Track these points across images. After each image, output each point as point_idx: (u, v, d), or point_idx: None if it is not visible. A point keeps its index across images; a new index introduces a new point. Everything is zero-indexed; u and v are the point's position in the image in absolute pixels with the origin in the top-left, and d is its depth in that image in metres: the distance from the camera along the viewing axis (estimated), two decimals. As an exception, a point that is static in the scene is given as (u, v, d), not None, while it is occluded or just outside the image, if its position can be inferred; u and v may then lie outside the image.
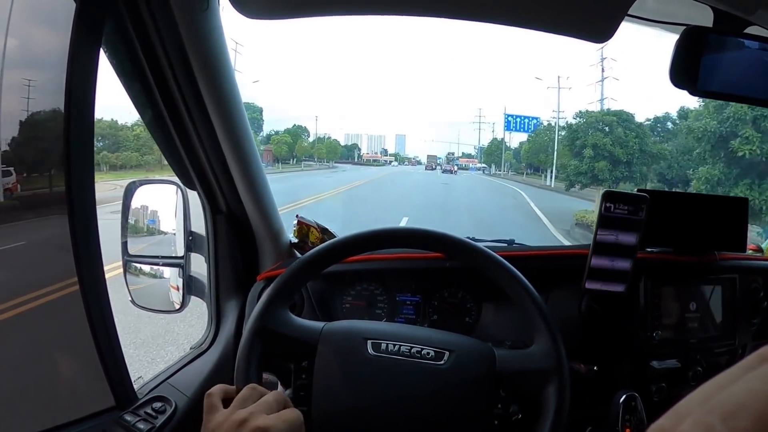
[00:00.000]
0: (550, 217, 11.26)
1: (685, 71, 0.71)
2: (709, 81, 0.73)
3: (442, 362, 0.64)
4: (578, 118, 16.55)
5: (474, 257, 0.70)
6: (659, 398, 0.90)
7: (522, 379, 0.65)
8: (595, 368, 0.87)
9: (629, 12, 0.65)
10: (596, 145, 14.68)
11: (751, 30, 0.78)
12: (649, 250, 0.97)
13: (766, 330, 1.04)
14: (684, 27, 0.71)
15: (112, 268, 0.98)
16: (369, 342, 0.66)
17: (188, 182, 0.87)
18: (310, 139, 37.23)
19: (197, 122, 0.77)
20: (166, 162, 0.88)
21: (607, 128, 15.10)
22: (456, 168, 36.63)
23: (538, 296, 0.67)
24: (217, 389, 0.55)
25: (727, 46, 0.74)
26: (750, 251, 1.16)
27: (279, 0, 0.69)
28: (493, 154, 36.05)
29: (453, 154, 47.83)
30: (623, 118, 15.26)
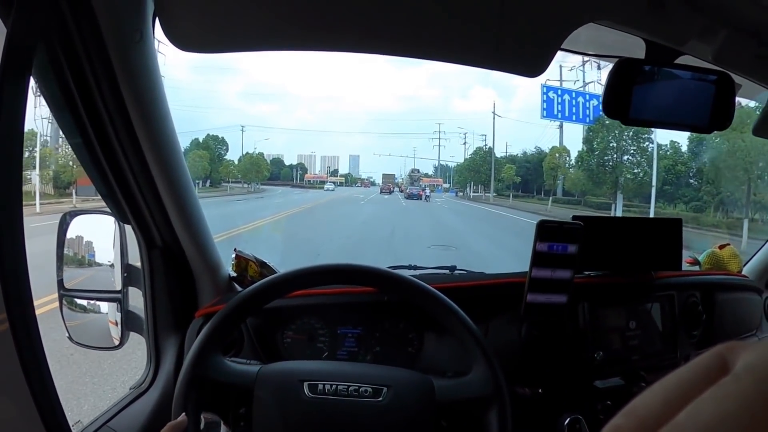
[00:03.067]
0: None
1: (617, 101, 0.71)
2: (641, 110, 0.73)
3: (380, 398, 0.63)
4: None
5: (407, 291, 0.68)
6: (605, 416, 0.89)
7: (462, 408, 0.64)
8: (539, 390, 0.86)
9: (562, 45, 0.64)
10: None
11: (682, 60, 0.80)
12: (587, 273, 0.97)
13: (708, 340, 1.06)
14: (617, 58, 0.72)
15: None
16: (305, 384, 0.63)
17: (122, 216, 0.81)
18: (228, 156, 27.90)
19: (129, 154, 0.72)
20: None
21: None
22: (426, 192, 25.46)
23: (473, 325, 0.66)
24: None
25: (658, 76, 0.75)
26: (687, 264, 1.20)
27: (213, 35, 0.66)
28: (473, 171, 27.59)
29: (418, 171, 36.01)
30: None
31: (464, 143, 35.13)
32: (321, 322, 0.90)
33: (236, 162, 28.05)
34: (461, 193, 30.05)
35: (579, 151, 17.56)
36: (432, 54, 0.60)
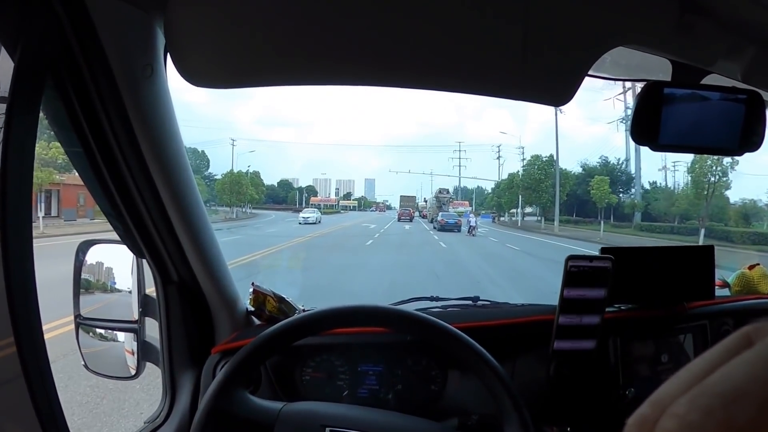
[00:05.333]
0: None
1: (646, 126, 0.67)
2: (670, 134, 0.69)
3: None
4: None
5: (429, 332, 0.64)
6: None
7: None
8: (568, 430, 0.80)
9: (589, 72, 0.60)
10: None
11: (709, 79, 0.75)
12: (617, 306, 0.91)
13: None
14: (644, 82, 0.68)
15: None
16: (327, 429, 0.59)
17: (138, 251, 0.79)
18: (210, 171, 23.85)
19: (142, 190, 0.70)
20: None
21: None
22: (471, 220, 16.84)
23: (505, 373, 0.61)
24: None
25: (685, 98, 0.70)
26: (717, 287, 1.13)
27: (226, 70, 0.63)
28: (528, 189, 20.29)
29: (447, 191, 27.95)
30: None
31: (498, 157, 29.89)
32: (341, 359, 0.86)
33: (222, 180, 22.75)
34: (499, 219, 23.82)
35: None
36: (453, 86, 0.57)
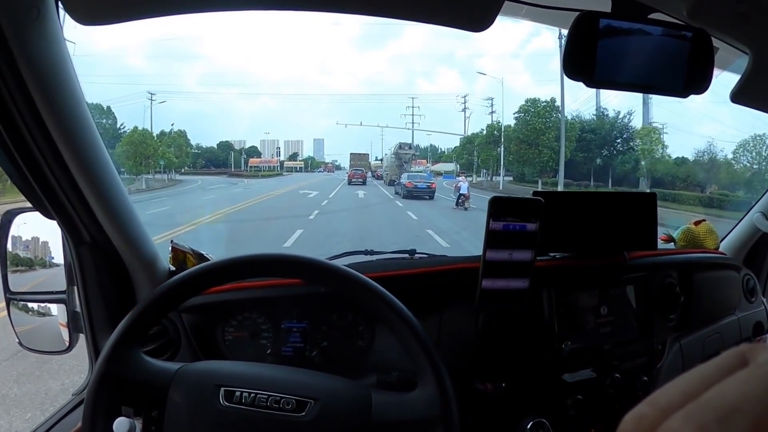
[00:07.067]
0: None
1: (580, 60, 0.62)
2: (607, 70, 0.64)
3: (303, 413, 0.53)
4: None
5: (340, 283, 0.58)
6: (576, 412, 0.80)
7: (402, 430, 0.54)
8: (503, 385, 0.77)
9: (512, -3, 0.55)
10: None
11: (653, 17, 0.71)
12: (551, 255, 0.87)
13: (686, 323, 0.97)
14: (578, 12, 0.63)
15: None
16: (222, 390, 0.54)
17: (45, 211, 0.72)
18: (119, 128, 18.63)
19: (40, 144, 0.63)
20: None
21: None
22: (462, 187, 11.78)
23: (419, 327, 0.56)
24: None
25: (624, 32, 0.66)
26: (661, 242, 1.11)
27: (111, 3, 0.57)
28: (524, 143, 15.82)
29: (409, 146, 22.66)
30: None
31: (464, 110, 25.12)
32: (264, 317, 0.80)
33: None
34: (472, 179, 18.22)
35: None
36: (371, 9, 0.52)
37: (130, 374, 0.54)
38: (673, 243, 1.14)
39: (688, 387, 0.16)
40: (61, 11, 0.60)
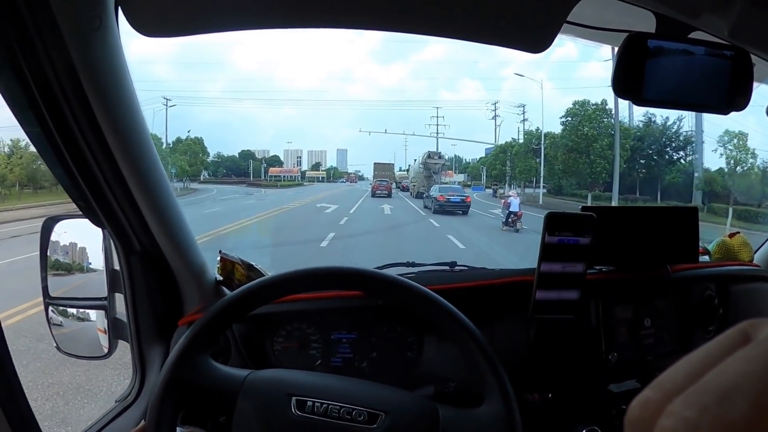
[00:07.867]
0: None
1: (629, 79, 0.63)
2: (654, 89, 0.65)
3: (375, 425, 0.53)
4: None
5: (403, 295, 0.59)
6: (621, 422, 0.80)
7: None
8: (549, 396, 0.77)
9: (567, 19, 0.55)
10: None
11: (695, 36, 0.71)
12: (597, 269, 0.88)
13: None
14: (626, 34, 0.63)
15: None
16: (294, 399, 0.55)
17: (96, 219, 0.73)
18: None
19: (96, 153, 0.64)
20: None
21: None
22: (517, 206, 9.40)
23: (486, 343, 0.56)
24: None
25: (670, 52, 0.66)
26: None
27: (179, 15, 0.58)
28: (573, 151, 13.58)
29: (439, 155, 20.25)
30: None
31: (494, 117, 23.37)
32: (313, 328, 0.81)
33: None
34: (500, 191, 17.23)
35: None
36: (432, 29, 0.52)
37: (198, 379, 0.55)
38: (708, 255, 1.14)
39: (692, 368, 0.16)
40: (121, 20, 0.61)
